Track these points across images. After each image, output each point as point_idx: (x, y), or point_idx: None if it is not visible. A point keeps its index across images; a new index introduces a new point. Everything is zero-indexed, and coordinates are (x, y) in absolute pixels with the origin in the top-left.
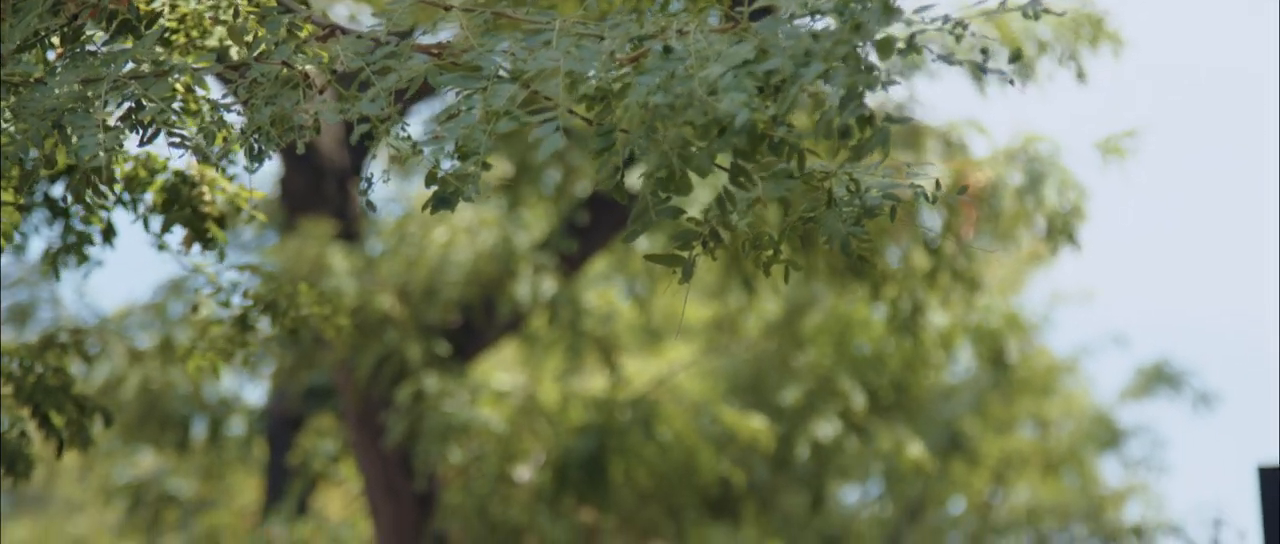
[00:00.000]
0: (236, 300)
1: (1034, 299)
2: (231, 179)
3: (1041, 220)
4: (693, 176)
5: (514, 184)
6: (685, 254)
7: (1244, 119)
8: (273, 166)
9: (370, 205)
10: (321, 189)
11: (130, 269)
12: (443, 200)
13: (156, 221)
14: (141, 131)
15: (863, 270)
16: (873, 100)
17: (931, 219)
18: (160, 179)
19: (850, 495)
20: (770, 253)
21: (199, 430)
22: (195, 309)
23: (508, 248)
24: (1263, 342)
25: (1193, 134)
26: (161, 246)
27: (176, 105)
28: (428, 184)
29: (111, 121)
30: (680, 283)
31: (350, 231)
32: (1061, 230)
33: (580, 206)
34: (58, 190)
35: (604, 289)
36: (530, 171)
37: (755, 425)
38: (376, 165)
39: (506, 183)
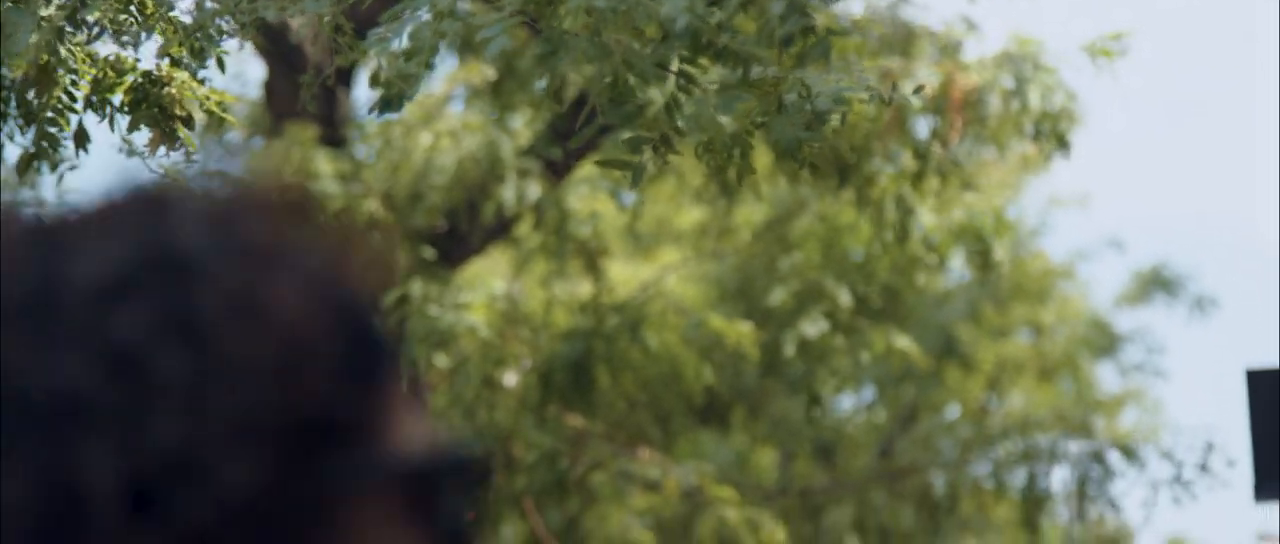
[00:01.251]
0: None
1: (1030, 204)
2: (202, 82)
3: (1031, 125)
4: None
5: (500, 89)
6: (635, 159)
7: (1239, 21)
8: (258, 71)
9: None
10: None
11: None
12: (387, 103)
13: (124, 123)
14: (87, 30)
15: (848, 174)
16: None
17: (921, 125)
18: (128, 80)
19: (843, 402)
20: (724, 156)
21: None
22: None
23: (493, 152)
24: (1260, 244)
25: (1188, 37)
26: (129, 149)
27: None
28: (371, 86)
29: (55, 20)
30: (630, 188)
31: (335, 137)
32: (1051, 134)
33: (566, 113)
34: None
35: (590, 195)
36: (517, 77)
37: (742, 330)
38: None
39: (492, 87)
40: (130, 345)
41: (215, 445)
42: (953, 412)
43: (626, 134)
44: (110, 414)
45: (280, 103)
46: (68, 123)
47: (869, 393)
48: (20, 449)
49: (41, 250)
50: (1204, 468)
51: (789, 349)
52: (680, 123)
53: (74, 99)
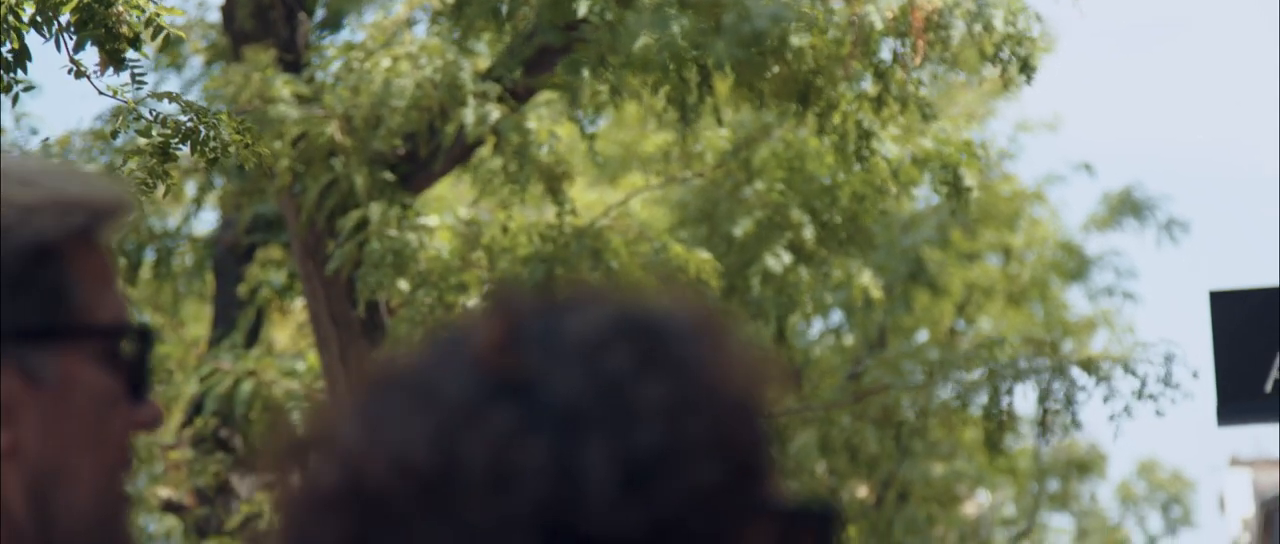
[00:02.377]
0: (160, 129)
1: (999, 128)
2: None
3: (996, 49)
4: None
5: (460, 12)
6: (573, 79)
7: None
8: None
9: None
10: (267, 18)
11: (90, 103)
12: (333, 20)
13: (71, 43)
14: None
15: (810, 99)
16: None
17: (884, 49)
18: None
19: (812, 327)
20: (674, 78)
21: (147, 262)
22: (113, 136)
23: (453, 76)
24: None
25: None
26: (77, 71)
27: None
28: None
29: None
30: (572, 108)
31: (294, 61)
32: (1016, 59)
33: (527, 36)
34: None
35: (551, 119)
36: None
37: (703, 260)
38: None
39: (452, 9)
40: (619, 374)
41: (684, 453)
42: (922, 336)
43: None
44: (604, 421)
45: (240, 27)
46: (17, 40)
47: (837, 317)
48: (539, 438)
49: (546, 312)
50: (1167, 381)
51: (754, 284)
52: (619, 43)
53: (20, 17)
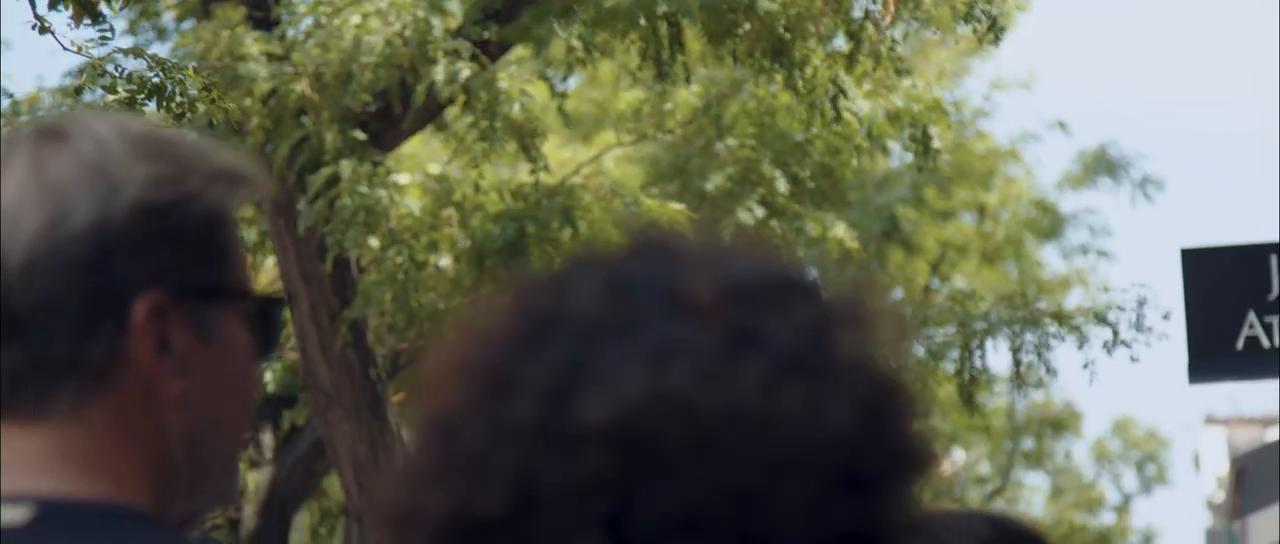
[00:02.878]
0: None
1: (974, 86)
2: None
3: (969, 7)
4: None
5: None
6: (540, 28)
7: None
8: None
9: None
10: None
11: (58, 59)
12: None
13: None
14: None
15: (782, 55)
16: None
17: (857, 6)
18: None
19: None
20: (626, 25)
21: None
22: (77, 92)
23: (423, 33)
24: (1204, 126)
25: None
26: (42, 26)
27: None
28: None
29: None
30: (540, 59)
31: (264, 18)
32: (987, 18)
33: None
34: None
35: (522, 77)
36: None
37: (675, 209)
38: None
39: None
40: (815, 325)
41: (887, 393)
42: (896, 294)
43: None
44: (823, 368)
45: None
46: None
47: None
48: (792, 385)
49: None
50: (1139, 325)
51: (725, 237)
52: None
53: None
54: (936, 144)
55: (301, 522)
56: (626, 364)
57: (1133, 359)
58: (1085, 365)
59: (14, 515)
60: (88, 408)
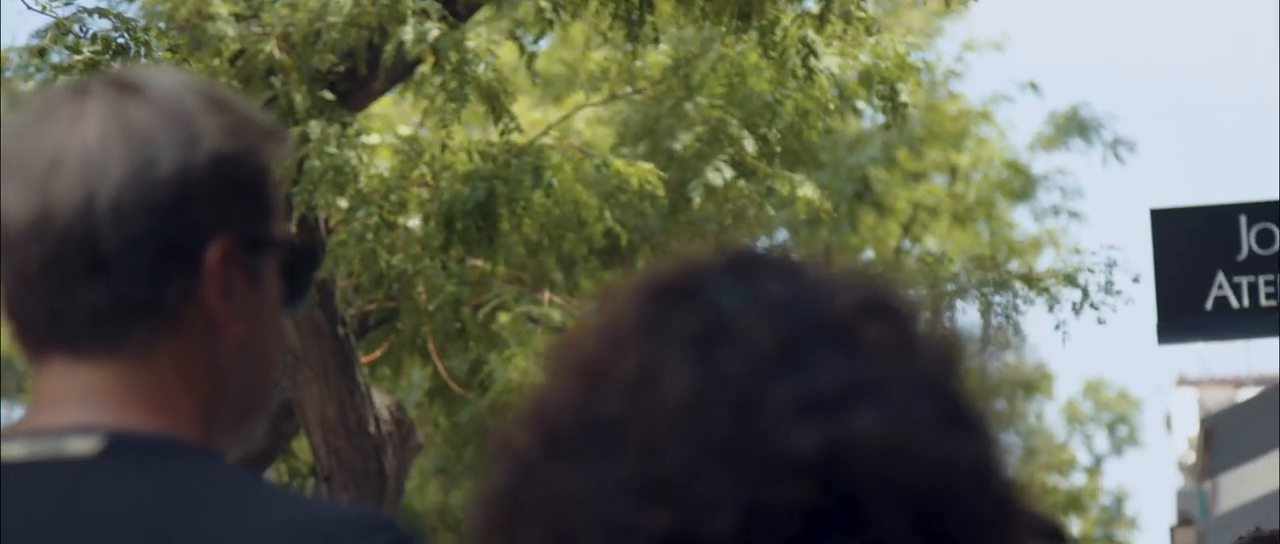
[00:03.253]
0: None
1: (946, 47)
2: None
3: None
4: None
5: None
6: None
7: None
8: None
9: None
10: None
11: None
12: None
13: None
14: None
15: (751, 14)
16: None
17: None
18: None
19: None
20: None
21: None
22: (40, 53)
23: None
24: (1176, 88)
25: None
26: None
27: None
28: None
29: None
30: (505, 14)
31: None
32: None
33: None
34: None
35: (490, 37)
36: None
37: (645, 170)
38: None
39: None
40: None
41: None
42: (867, 255)
43: None
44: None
45: None
46: None
47: (782, 236)
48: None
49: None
50: (1108, 288)
51: (695, 197)
52: None
53: None
54: (904, 98)
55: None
56: (813, 399)
57: (1100, 321)
58: (1057, 327)
59: (84, 446)
60: (156, 347)
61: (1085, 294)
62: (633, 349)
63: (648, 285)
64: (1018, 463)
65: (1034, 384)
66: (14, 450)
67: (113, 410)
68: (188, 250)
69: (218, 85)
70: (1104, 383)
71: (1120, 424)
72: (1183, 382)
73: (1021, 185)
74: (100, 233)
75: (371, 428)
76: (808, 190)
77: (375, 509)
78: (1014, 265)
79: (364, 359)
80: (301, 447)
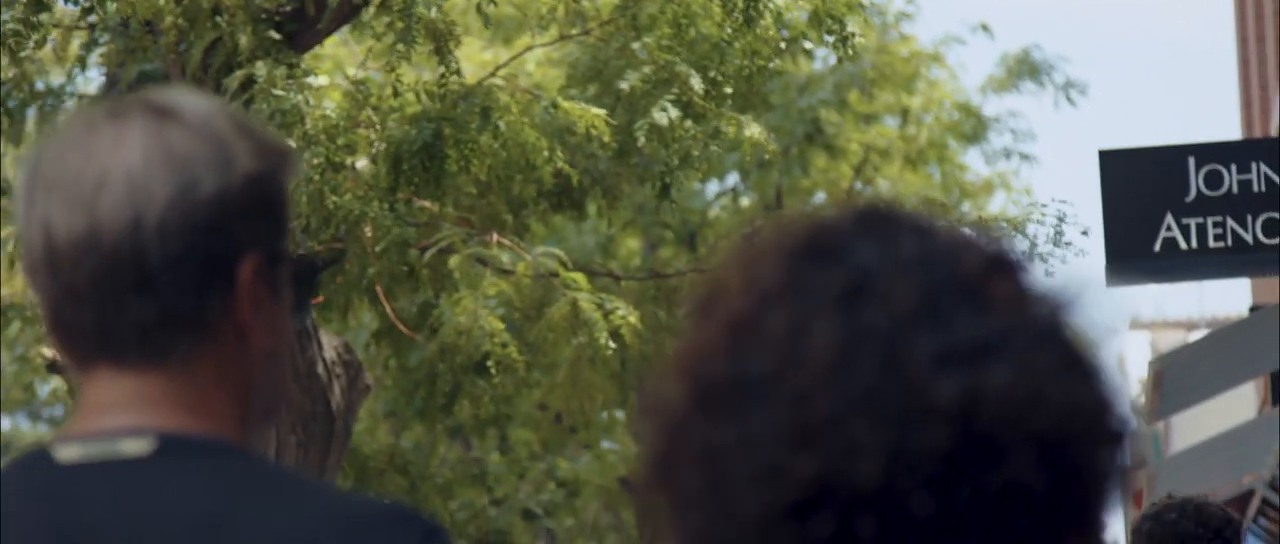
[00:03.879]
0: None
1: None
2: None
3: None
4: None
5: None
6: None
7: None
8: None
9: None
10: None
11: None
12: None
13: None
14: None
15: None
16: None
17: None
18: None
19: (709, 189)
20: None
21: (31, 121)
22: None
23: None
24: (1126, 29)
25: None
26: None
27: None
28: None
29: None
30: None
31: None
32: None
33: None
34: None
35: None
36: None
37: (594, 115)
38: None
39: None
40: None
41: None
42: (819, 198)
43: None
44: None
45: None
46: None
47: (734, 178)
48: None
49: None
50: (1058, 240)
51: (640, 137)
52: None
53: None
54: (852, 28)
55: None
56: (951, 352)
57: (1048, 272)
58: None
59: (137, 446)
60: (196, 357)
61: (1033, 245)
62: (780, 307)
63: (790, 245)
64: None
65: None
66: (70, 452)
67: (160, 415)
68: (225, 266)
69: (237, 111)
70: None
71: None
72: (1135, 325)
73: (973, 128)
74: (147, 251)
75: (319, 369)
76: (754, 131)
77: (405, 504)
78: (966, 208)
79: (313, 301)
80: None
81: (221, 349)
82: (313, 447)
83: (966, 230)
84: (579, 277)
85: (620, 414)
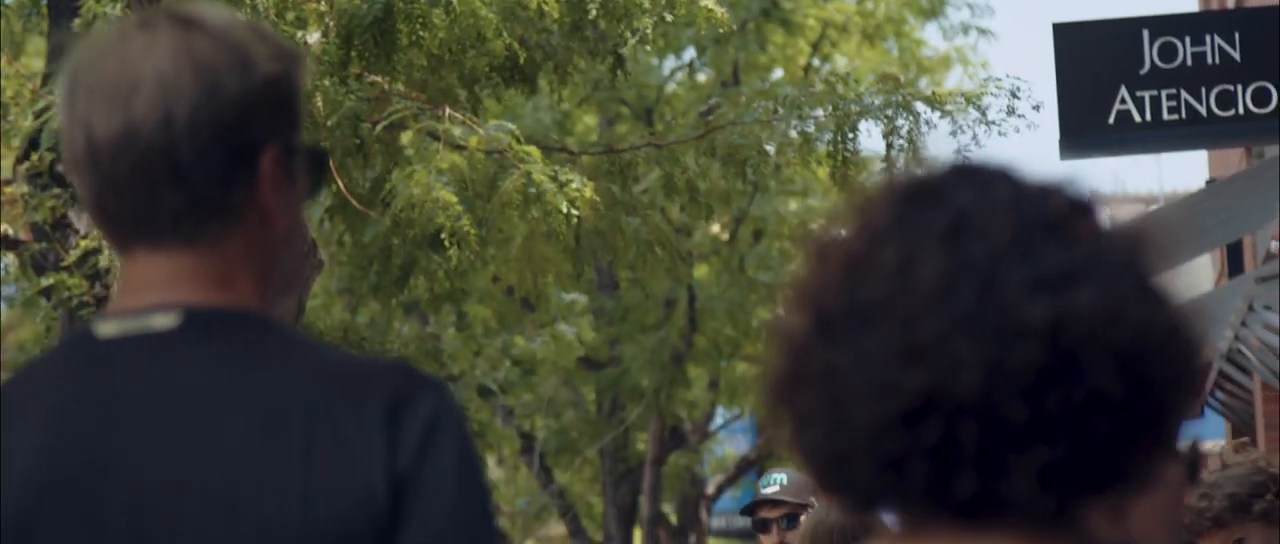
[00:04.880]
0: None
1: None
2: None
3: None
4: None
5: None
6: None
7: None
8: None
9: None
10: None
11: None
12: None
13: None
14: None
15: None
16: None
17: None
18: None
19: (666, 65)
20: None
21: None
22: None
23: None
24: None
25: None
26: None
27: None
28: None
29: None
30: None
31: None
32: None
33: None
34: None
35: None
36: None
37: None
38: None
39: None
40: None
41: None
42: (777, 73)
43: None
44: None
45: None
46: None
47: (690, 54)
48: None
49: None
50: (1011, 111)
51: (592, 10)
52: None
53: None
54: None
55: None
56: (1041, 280)
57: (1001, 134)
58: (957, 151)
59: (166, 321)
60: (225, 239)
61: (984, 115)
62: (890, 244)
63: (897, 192)
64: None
65: None
66: (108, 328)
67: (189, 291)
68: (248, 157)
69: (252, 20)
70: None
71: None
72: (1094, 201)
73: (930, 3)
74: (179, 146)
75: None
76: (708, 3)
77: (399, 360)
78: (923, 84)
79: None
80: None
81: (246, 231)
82: None
83: (1052, 177)
84: (532, 150)
85: (578, 297)
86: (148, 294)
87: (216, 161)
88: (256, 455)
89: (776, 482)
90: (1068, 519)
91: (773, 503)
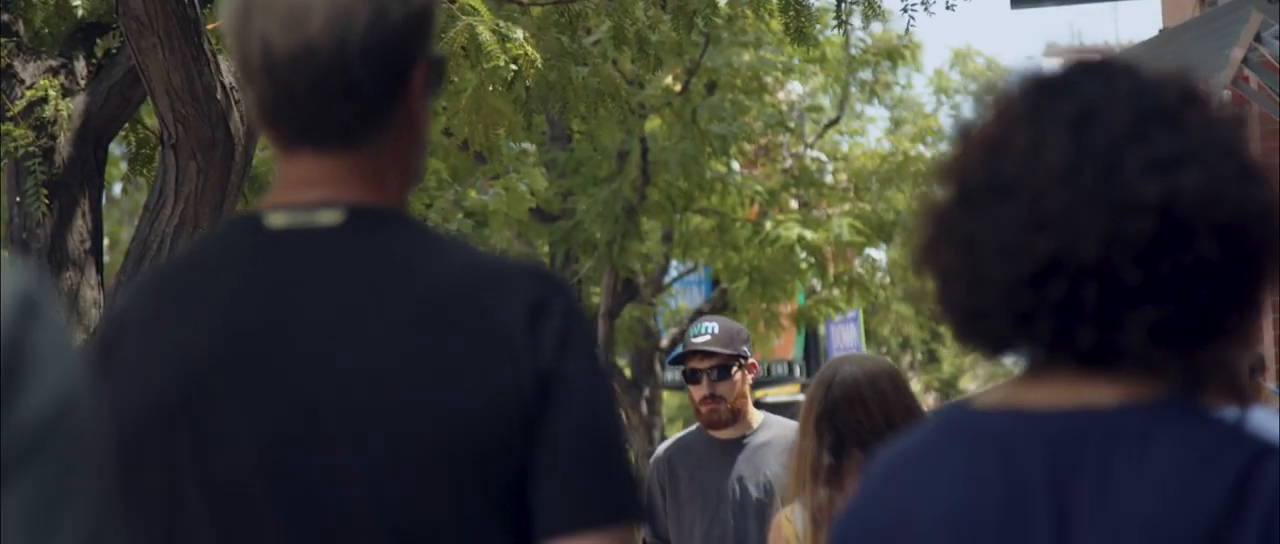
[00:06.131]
0: None
1: None
2: None
3: None
4: None
5: None
6: None
7: None
8: None
9: None
10: None
11: None
12: None
13: None
14: None
15: None
16: None
17: None
18: None
19: None
20: None
21: None
22: None
23: None
24: None
25: None
26: None
27: None
28: None
29: None
30: None
31: None
32: None
33: None
34: None
35: None
36: None
37: None
38: None
39: None
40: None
41: (1226, 179)
42: None
43: None
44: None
45: None
46: None
47: None
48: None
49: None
50: None
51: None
52: None
53: None
54: None
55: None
56: (1155, 162)
57: (950, 7)
58: (904, 9)
59: (331, 217)
60: (382, 144)
61: None
62: (1025, 128)
63: (1032, 83)
64: None
65: (899, 53)
66: (278, 220)
67: (349, 191)
68: (405, 73)
69: None
70: (972, 52)
71: (988, 94)
72: (1051, 51)
73: None
74: (352, 65)
75: (218, 94)
76: None
77: (536, 261)
78: None
79: (209, 26)
80: (148, 114)
81: (397, 136)
82: (212, 172)
83: (1169, 72)
84: (477, 2)
85: (529, 147)
86: (311, 191)
87: (384, 78)
88: (423, 343)
89: (707, 331)
90: (1173, 367)
91: (703, 354)
